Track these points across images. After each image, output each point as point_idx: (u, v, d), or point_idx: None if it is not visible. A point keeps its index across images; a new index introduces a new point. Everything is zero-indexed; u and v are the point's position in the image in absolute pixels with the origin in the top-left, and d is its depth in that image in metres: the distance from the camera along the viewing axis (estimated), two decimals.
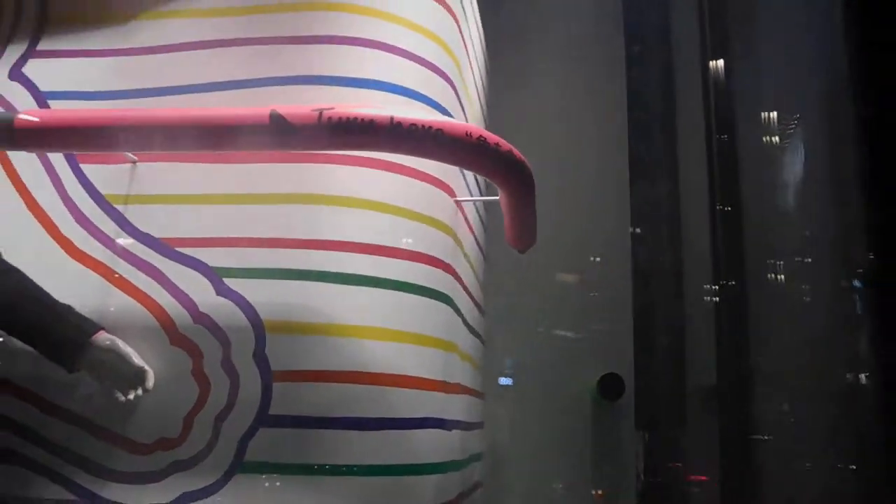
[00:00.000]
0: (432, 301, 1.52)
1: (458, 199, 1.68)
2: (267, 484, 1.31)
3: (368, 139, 1.25)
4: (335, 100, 1.40)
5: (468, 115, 1.84)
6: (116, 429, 1.38)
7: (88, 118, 1.31)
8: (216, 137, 1.27)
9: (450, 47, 1.66)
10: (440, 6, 1.64)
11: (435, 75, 1.60)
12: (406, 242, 1.47)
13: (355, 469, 1.34)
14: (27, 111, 1.33)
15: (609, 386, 2.17)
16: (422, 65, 1.57)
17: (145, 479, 1.35)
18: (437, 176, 1.58)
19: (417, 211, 1.52)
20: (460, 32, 1.76)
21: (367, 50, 1.51)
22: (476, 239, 2.04)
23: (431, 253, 1.53)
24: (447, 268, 1.59)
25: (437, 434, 1.48)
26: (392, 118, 1.23)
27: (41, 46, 1.61)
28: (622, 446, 2.20)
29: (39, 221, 1.51)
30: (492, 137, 1.31)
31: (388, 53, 1.52)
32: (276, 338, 1.37)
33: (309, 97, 1.45)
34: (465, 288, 1.79)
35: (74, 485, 1.37)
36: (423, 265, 1.51)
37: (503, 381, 2.33)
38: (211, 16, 1.56)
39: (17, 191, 1.53)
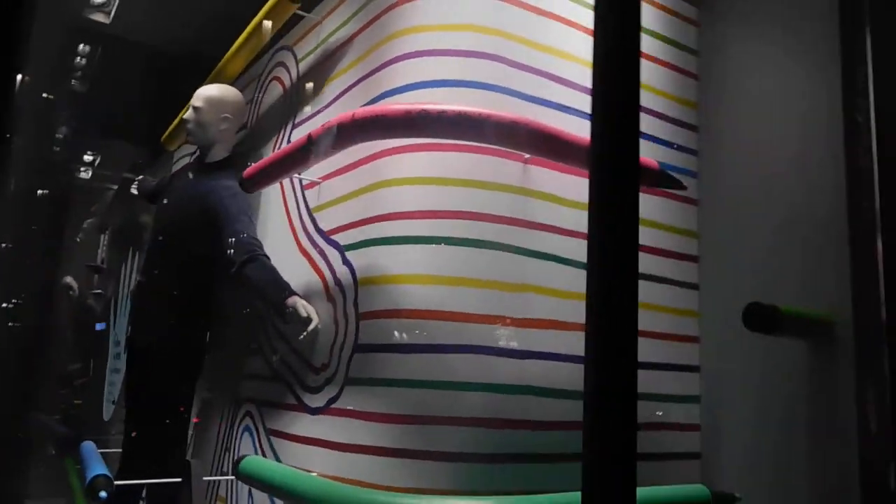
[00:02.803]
0: (486, 251, 1.80)
1: (528, 156, 1.88)
2: (359, 393, 1.84)
3: (344, 139, 1.71)
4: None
5: (554, 71, 1.99)
6: (308, 357, 2.11)
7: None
8: (290, 160, 1.90)
9: (492, 28, 1.90)
10: None
11: (478, 60, 1.88)
12: (455, 206, 1.81)
13: (406, 382, 1.75)
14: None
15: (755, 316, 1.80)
16: (462, 56, 1.88)
17: (315, 390, 2.03)
18: (504, 148, 1.85)
19: (477, 179, 1.83)
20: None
21: (416, 60, 1.91)
22: None
23: (487, 211, 1.82)
24: (511, 221, 1.84)
25: (484, 359, 1.75)
26: (353, 115, 1.67)
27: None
28: None
29: (291, 230, 2.37)
30: (434, 109, 1.60)
31: (430, 57, 1.89)
32: (363, 289, 1.89)
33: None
34: (573, 234, 1.94)
35: (295, 394, 2.14)
36: (478, 222, 1.81)
37: None
38: (339, 76, 2.19)
39: (285, 211, 2.43)
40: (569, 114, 2.00)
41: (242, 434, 2.48)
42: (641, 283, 2.07)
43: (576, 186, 1.97)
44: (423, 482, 1.70)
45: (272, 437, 2.25)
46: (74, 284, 4.22)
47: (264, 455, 2.26)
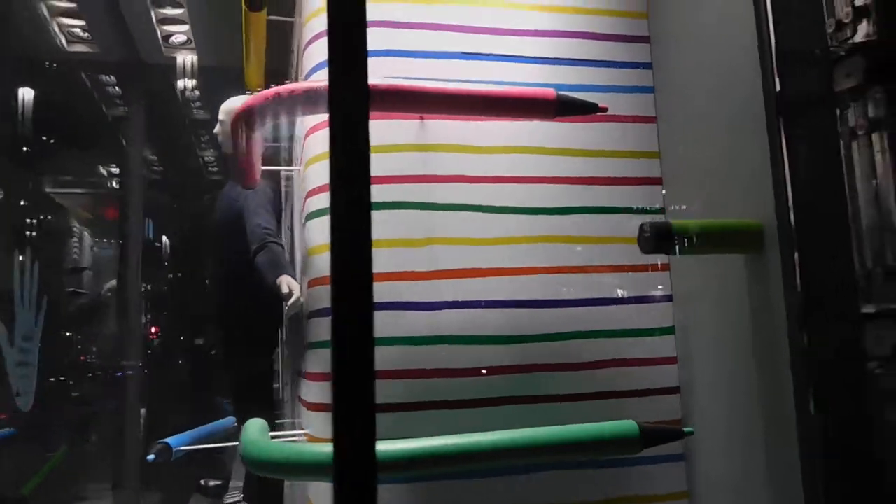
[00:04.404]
0: (388, 211, 1.89)
1: (425, 116, 1.92)
2: (310, 355, 2.04)
3: (242, 130, 1.90)
4: None
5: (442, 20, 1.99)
6: (301, 328, 2.33)
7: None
8: (236, 157, 2.13)
9: None
10: None
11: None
12: None
13: (328, 343, 1.90)
14: None
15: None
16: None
17: (304, 357, 2.25)
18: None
19: (373, 144, 1.92)
20: None
21: (316, 42, 2.04)
22: None
23: (386, 173, 1.90)
24: (412, 178, 1.90)
25: (394, 315, 1.84)
26: (238, 109, 1.85)
27: None
28: None
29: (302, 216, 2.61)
30: (285, 90, 1.74)
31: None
32: (308, 259, 2.08)
33: None
34: (484, 180, 1.94)
35: (301, 362, 2.38)
36: (379, 185, 1.90)
37: None
38: (301, 68, 2.36)
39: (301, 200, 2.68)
40: (470, 59, 1.99)
41: (297, 402, 2.79)
42: (604, 218, 2.02)
43: (477, 132, 1.96)
44: None
45: (298, 403, 2.52)
46: None
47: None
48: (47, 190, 5.14)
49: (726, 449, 1.83)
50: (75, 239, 5.80)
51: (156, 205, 5.95)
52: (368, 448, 1.24)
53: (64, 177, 5.10)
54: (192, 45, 3.88)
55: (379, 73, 1.91)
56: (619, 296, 2.01)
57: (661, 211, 2.07)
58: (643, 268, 2.03)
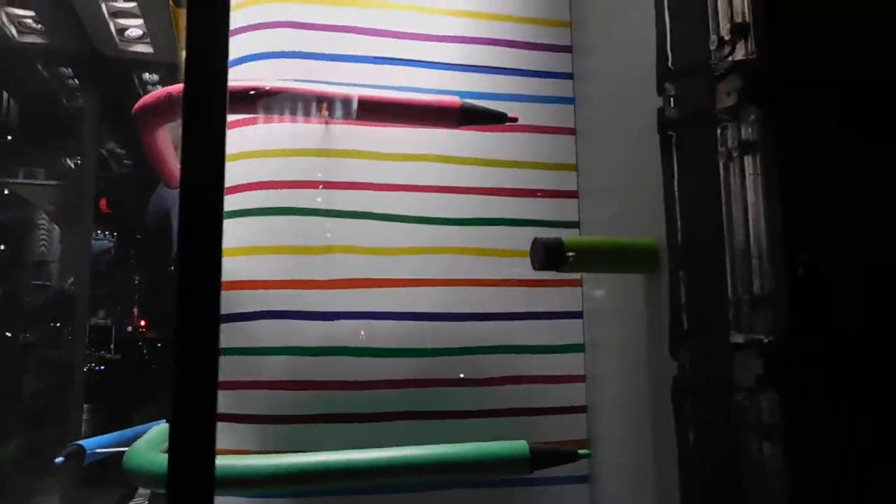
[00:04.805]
0: (284, 217, 1.84)
1: (329, 121, 1.87)
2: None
3: (142, 127, 1.85)
4: None
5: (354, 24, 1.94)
6: None
7: None
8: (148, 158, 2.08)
9: None
10: None
11: (267, 31, 1.90)
12: (249, 178, 1.87)
13: (227, 350, 1.86)
14: None
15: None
16: (252, 30, 1.92)
17: None
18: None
19: (270, 149, 1.88)
20: None
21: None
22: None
23: (283, 178, 1.85)
24: (313, 184, 1.85)
25: (284, 324, 1.79)
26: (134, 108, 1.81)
27: None
28: None
29: None
30: (175, 90, 1.69)
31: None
32: None
33: None
34: (389, 188, 1.88)
35: None
36: (274, 191, 1.85)
37: None
38: None
39: None
40: (381, 63, 1.94)
41: None
42: (515, 230, 1.96)
43: (385, 139, 1.90)
44: (237, 444, 1.79)
45: None
46: None
47: None
48: (12, 181, 5.10)
49: (623, 472, 1.78)
50: (43, 232, 5.77)
51: (127, 198, 5.90)
52: (205, 459, 1.18)
53: (29, 169, 5.05)
54: (148, 39, 3.83)
55: (284, 75, 1.87)
56: (528, 311, 1.95)
57: (576, 225, 2.01)
58: (555, 283, 1.98)
